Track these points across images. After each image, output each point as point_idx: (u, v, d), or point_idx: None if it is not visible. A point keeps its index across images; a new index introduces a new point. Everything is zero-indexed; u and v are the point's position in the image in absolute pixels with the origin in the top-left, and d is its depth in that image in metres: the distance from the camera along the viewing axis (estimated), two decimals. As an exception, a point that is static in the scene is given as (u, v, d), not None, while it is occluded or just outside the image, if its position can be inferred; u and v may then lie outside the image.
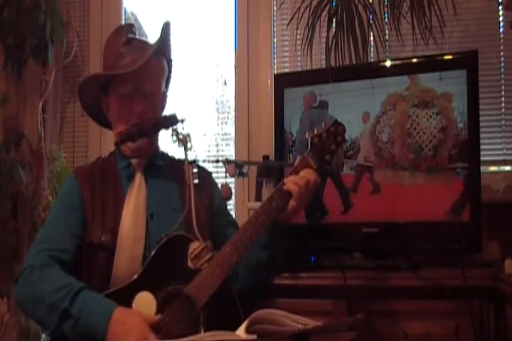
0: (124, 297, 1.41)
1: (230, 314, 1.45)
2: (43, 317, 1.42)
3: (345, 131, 1.54)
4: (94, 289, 1.44)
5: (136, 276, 1.45)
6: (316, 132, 1.54)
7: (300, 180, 1.47)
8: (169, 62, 1.69)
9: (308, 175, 1.48)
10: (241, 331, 1.14)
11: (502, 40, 2.35)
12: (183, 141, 1.52)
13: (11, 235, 2.41)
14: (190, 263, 1.41)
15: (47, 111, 2.63)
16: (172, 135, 1.53)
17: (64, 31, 2.64)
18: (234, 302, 1.48)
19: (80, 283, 1.44)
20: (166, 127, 1.55)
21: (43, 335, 2.38)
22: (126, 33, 1.65)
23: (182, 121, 1.54)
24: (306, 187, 1.47)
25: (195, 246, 1.42)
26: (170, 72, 1.70)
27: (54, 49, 2.57)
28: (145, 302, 1.40)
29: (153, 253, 1.46)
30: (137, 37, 1.70)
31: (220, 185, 1.81)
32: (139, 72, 1.56)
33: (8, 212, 2.42)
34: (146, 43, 1.67)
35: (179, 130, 1.53)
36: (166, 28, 1.64)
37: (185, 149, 1.52)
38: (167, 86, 1.71)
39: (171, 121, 1.54)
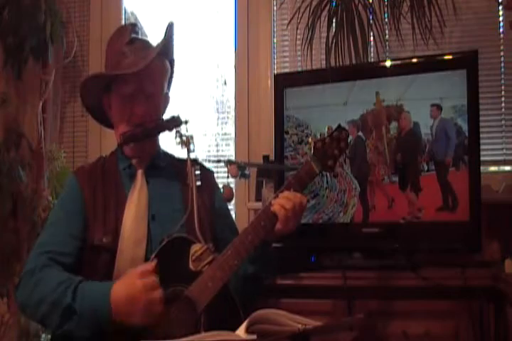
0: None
1: (231, 315, 1.43)
2: (46, 317, 1.41)
3: (348, 136, 1.52)
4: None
5: None
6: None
7: (287, 203, 1.44)
8: (171, 62, 1.68)
9: (293, 197, 1.45)
10: (241, 331, 1.14)
11: (502, 40, 2.35)
12: (186, 143, 1.52)
13: (11, 235, 2.41)
14: (191, 265, 1.40)
15: (47, 111, 2.63)
16: (176, 137, 1.53)
17: (64, 31, 2.65)
18: (234, 304, 1.47)
19: (77, 277, 1.42)
20: (170, 129, 1.54)
21: (43, 335, 2.38)
22: (130, 33, 1.64)
23: (186, 122, 1.53)
24: (293, 211, 1.43)
25: (196, 248, 1.41)
26: (172, 72, 1.69)
27: (54, 49, 2.57)
28: None
29: (154, 254, 1.45)
30: (140, 37, 1.69)
31: (221, 186, 1.80)
32: (141, 73, 1.55)
33: (8, 212, 2.41)
34: (149, 44, 1.66)
35: (183, 132, 1.53)
36: (169, 28, 1.63)
37: (188, 151, 1.52)
38: (169, 87, 1.71)
39: (175, 122, 1.54)
